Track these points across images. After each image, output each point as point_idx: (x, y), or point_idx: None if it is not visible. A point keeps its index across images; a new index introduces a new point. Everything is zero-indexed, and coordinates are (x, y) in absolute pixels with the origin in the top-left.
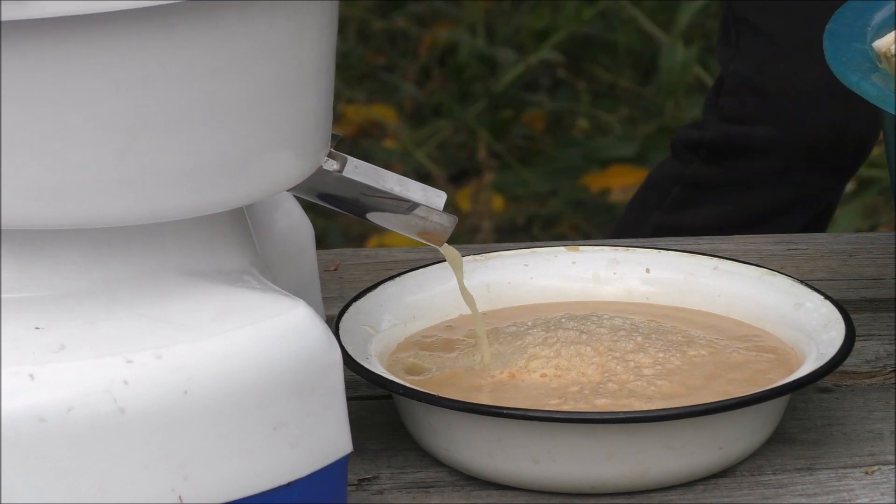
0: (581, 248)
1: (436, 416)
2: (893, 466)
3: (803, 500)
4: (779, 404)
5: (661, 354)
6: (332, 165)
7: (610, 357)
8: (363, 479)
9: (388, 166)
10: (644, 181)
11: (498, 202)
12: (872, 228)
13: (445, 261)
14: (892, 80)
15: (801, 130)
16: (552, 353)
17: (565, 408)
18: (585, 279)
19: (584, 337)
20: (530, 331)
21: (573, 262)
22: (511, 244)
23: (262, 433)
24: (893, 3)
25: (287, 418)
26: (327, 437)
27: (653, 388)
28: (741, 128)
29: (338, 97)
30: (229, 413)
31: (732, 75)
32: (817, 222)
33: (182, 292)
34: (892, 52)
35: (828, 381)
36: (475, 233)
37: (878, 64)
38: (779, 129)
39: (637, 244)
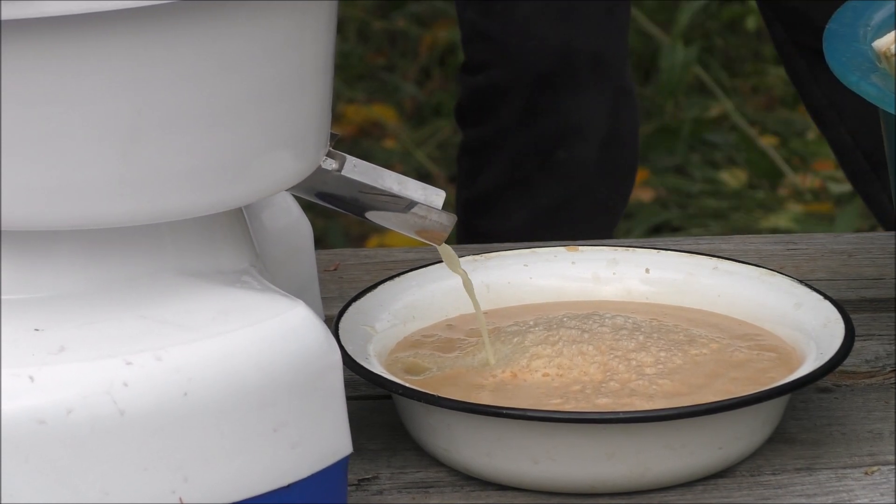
0: (581, 248)
1: (435, 416)
2: (893, 467)
3: (803, 501)
4: (779, 404)
5: (662, 353)
6: (330, 164)
7: (612, 356)
8: (363, 480)
9: (388, 166)
10: None
11: None
12: (872, 228)
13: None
14: (892, 80)
15: (527, 62)
16: (554, 353)
17: (567, 407)
18: (585, 279)
19: (585, 336)
20: (532, 329)
21: (573, 263)
22: (511, 244)
23: (262, 434)
24: (893, 3)
25: (287, 419)
26: (327, 438)
27: (654, 386)
28: (478, 78)
29: (338, 97)
30: (229, 414)
31: (465, 24)
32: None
33: (181, 293)
34: (892, 51)
35: (827, 381)
36: None
37: (877, 64)
38: (507, 68)
39: (637, 244)
